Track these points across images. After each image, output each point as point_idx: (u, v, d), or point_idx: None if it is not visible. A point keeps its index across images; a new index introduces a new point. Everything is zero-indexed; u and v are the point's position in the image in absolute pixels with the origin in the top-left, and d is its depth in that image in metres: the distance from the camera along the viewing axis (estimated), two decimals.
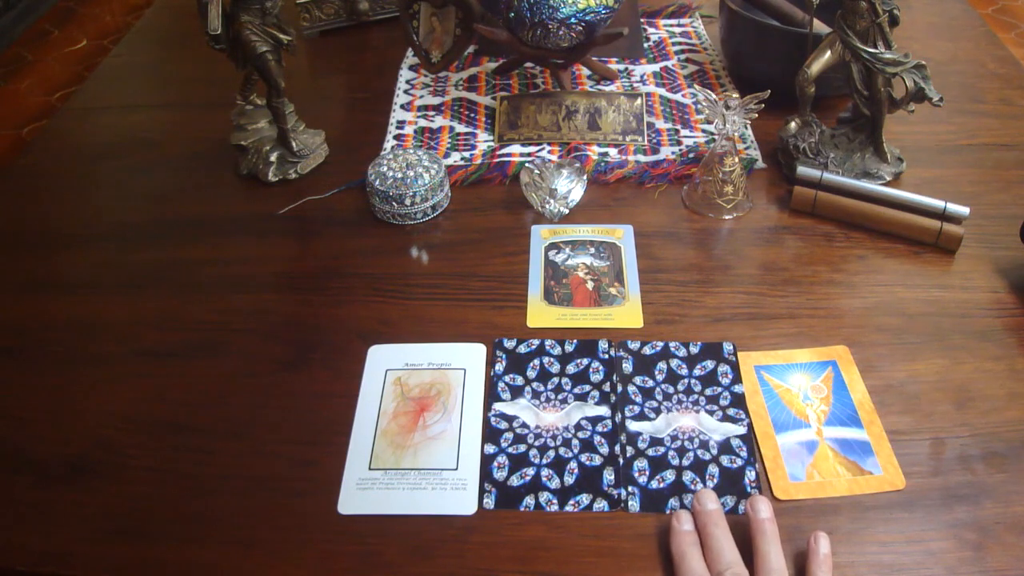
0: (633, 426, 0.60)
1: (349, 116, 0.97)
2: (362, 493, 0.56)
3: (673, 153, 0.86)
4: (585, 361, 0.65)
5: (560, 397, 0.62)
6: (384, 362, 0.65)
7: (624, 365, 0.64)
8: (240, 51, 0.77)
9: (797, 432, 0.59)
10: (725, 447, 0.58)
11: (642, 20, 1.09)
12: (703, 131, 0.89)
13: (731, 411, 0.61)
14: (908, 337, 0.66)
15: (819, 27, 0.83)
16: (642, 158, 0.85)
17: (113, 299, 0.72)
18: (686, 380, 0.63)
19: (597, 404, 0.62)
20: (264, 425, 0.61)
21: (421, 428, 0.60)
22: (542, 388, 0.63)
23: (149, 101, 1.01)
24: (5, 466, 0.59)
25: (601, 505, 0.55)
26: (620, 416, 0.61)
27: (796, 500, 0.55)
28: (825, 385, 0.62)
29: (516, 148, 0.87)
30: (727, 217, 0.78)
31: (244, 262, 0.75)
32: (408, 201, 0.77)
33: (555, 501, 0.56)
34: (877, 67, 0.74)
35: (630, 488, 0.56)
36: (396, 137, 0.90)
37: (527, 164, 0.79)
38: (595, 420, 0.60)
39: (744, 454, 0.58)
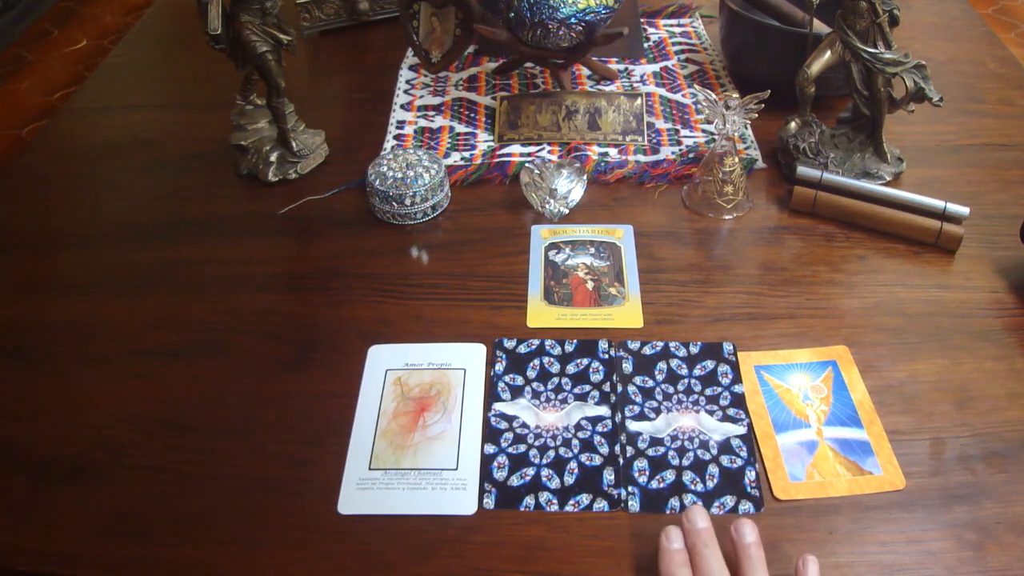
0: (633, 426, 0.60)
1: (349, 116, 0.97)
2: (362, 493, 0.56)
3: (673, 153, 0.86)
4: (585, 361, 0.65)
5: (560, 397, 0.62)
6: (384, 362, 0.65)
7: (624, 365, 0.64)
8: (240, 51, 0.77)
9: (797, 432, 0.59)
10: (725, 447, 0.58)
11: (642, 20, 1.09)
12: (703, 131, 0.89)
13: (731, 411, 0.61)
14: (908, 337, 0.66)
15: (819, 27, 0.83)
16: (642, 158, 0.85)
17: (113, 299, 0.72)
18: (686, 380, 0.63)
19: (597, 404, 0.62)
20: (264, 425, 0.61)
21: (421, 428, 0.60)
22: (542, 388, 0.63)
23: (149, 101, 1.01)
24: (5, 466, 0.59)
25: (601, 505, 0.55)
26: (620, 416, 0.61)
27: (796, 500, 0.55)
28: (825, 385, 0.62)
29: (516, 148, 0.87)
30: (727, 217, 0.78)
31: (244, 262, 0.75)
32: (408, 201, 0.77)
33: (555, 501, 0.56)
34: (877, 67, 0.74)
35: (630, 488, 0.56)
36: (396, 137, 0.90)
37: (527, 164, 0.79)
38: (595, 420, 0.60)
39: (744, 454, 0.58)
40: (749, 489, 0.56)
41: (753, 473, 0.57)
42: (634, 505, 0.55)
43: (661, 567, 0.49)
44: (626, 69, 1.00)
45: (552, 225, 0.78)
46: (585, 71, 0.99)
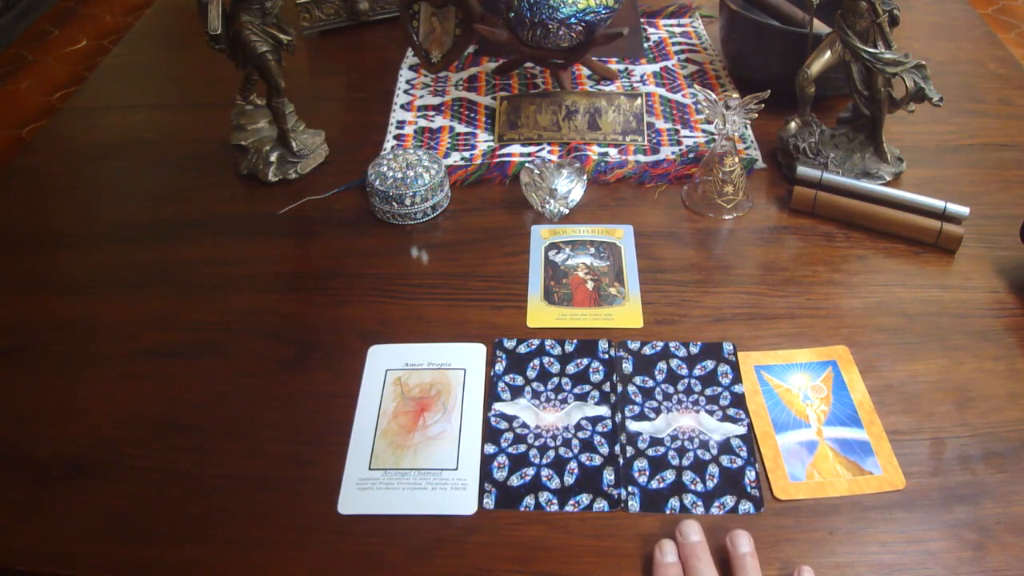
0: (633, 426, 0.60)
1: (349, 116, 0.97)
2: (362, 493, 0.56)
3: (673, 153, 0.86)
4: (585, 361, 0.65)
5: (560, 397, 0.62)
6: (384, 362, 0.65)
7: (624, 365, 0.64)
8: (240, 51, 0.77)
9: (797, 432, 0.59)
10: (725, 447, 0.58)
11: (642, 20, 1.09)
12: (703, 131, 0.89)
13: (731, 411, 0.61)
14: (908, 337, 0.66)
15: (819, 27, 0.83)
16: (642, 158, 0.85)
17: (113, 299, 0.72)
18: (686, 380, 0.63)
19: (597, 404, 0.62)
20: (264, 425, 0.61)
21: (421, 428, 0.60)
22: (542, 388, 0.63)
23: (149, 101, 1.01)
24: (5, 466, 0.59)
25: (601, 505, 0.55)
26: (620, 416, 0.61)
27: (796, 500, 0.55)
28: (825, 385, 0.62)
29: (516, 148, 0.87)
30: (727, 217, 0.78)
31: (244, 262, 0.75)
32: (408, 201, 0.77)
33: (555, 501, 0.56)
34: (877, 67, 0.74)
35: (630, 488, 0.56)
36: (396, 137, 0.90)
37: (527, 164, 0.79)
38: (595, 420, 0.60)
39: (744, 454, 0.58)
40: (749, 489, 0.56)
41: (753, 473, 0.57)
42: (634, 505, 0.55)
43: None
44: (626, 69, 1.00)
45: (552, 225, 0.78)
46: (585, 71, 0.99)
